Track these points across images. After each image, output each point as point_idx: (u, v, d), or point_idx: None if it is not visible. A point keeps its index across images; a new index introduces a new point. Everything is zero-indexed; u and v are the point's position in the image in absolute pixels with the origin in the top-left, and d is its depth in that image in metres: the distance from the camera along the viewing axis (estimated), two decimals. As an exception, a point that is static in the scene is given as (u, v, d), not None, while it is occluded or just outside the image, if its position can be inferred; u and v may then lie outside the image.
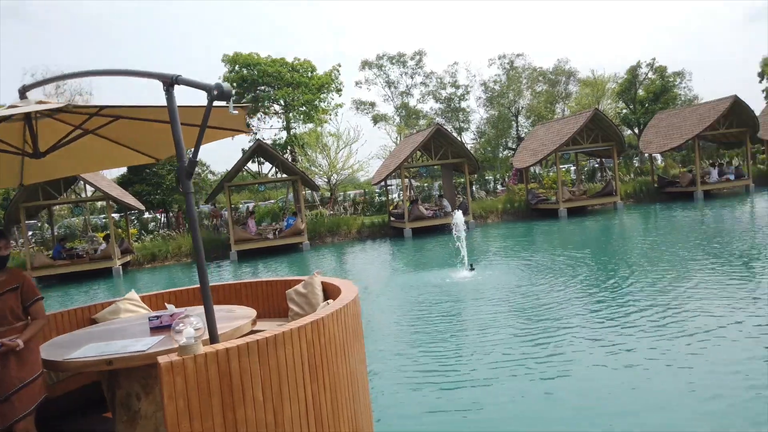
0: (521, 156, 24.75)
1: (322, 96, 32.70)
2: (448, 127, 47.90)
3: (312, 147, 25.06)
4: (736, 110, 23.21)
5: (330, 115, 33.09)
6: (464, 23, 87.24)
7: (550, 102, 44.62)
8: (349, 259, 17.60)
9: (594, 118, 22.11)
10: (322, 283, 4.79)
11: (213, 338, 3.22)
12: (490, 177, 34.73)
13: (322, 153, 25.00)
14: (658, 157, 33.35)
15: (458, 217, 12.41)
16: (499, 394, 5.28)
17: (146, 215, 29.00)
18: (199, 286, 5.54)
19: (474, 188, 30.48)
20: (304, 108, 31.71)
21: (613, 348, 6.21)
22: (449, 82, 46.93)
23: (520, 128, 41.69)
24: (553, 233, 18.43)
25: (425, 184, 33.71)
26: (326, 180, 25.67)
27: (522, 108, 42.25)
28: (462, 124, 47.37)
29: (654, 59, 39.55)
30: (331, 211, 24.12)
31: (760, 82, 47.22)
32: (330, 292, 4.68)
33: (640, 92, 38.70)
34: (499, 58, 45.29)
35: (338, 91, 33.63)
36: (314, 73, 32.58)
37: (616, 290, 8.99)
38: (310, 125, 31.15)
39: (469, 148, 46.67)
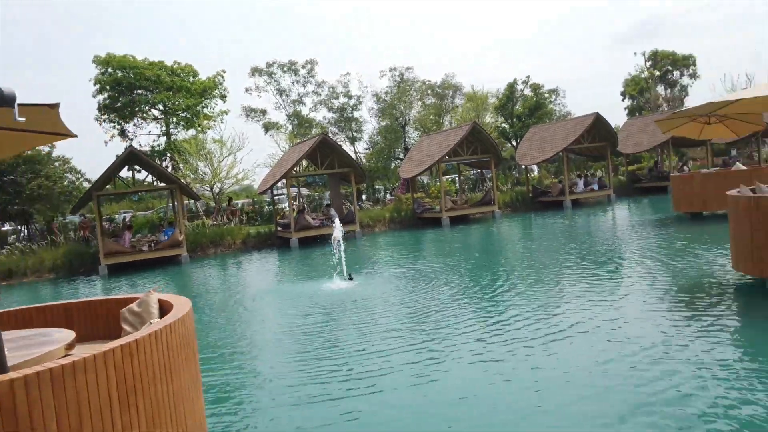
0: (407, 166, 25.37)
1: (205, 102, 31.49)
2: (341, 137, 48.28)
3: (193, 154, 23.98)
4: (598, 126, 25.40)
5: (215, 121, 31.97)
6: (355, 36, 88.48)
7: (438, 114, 46.35)
8: (228, 271, 16.99)
9: (473, 131, 23.17)
10: (159, 300, 4.51)
11: (1, 368, 2.90)
12: (381, 186, 35.26)
13: (204, 161, 24.02)
14: (535, 168, 35.68)
15: (337, 226, 12.39)
16: (373, 407, 5.24)
17: (6, 227, 26.29)
18: (25, 307, 5.00)
19: (363, 197, 30.80)
20: (186, 114, 30.36)
21: (484, 352, 6.43)
22: (342, 92, 47.25)
23: (409, 139, 42.80)
24: (435, 241, 19.00)
25: (316, 194, 33.54)
26: (209, 189, 24.67)
27: (409, 120, 43.43)
28: (355, 134, 47.82)
29: (528, 77, 42.30)
30: (214, 221, 23.20)
31: (623, 100, 52.26)
32: (167, 310, 4.41)
33: (518, 107, 41.22)
34: (390, 71, 46.34)
35: (222, 97, 32.59)
36: (196, 77, 31.32)
37: (488, 295, 9.38)
38: (192, 132, 29.88)
39: (362, 157, 47.37)
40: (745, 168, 17.42)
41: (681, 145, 30.44)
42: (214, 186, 24.24)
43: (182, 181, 22.93)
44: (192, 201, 26.43)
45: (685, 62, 48.03)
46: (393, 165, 41.89)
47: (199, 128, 29.76)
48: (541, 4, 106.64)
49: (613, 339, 6.38)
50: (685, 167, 28.48)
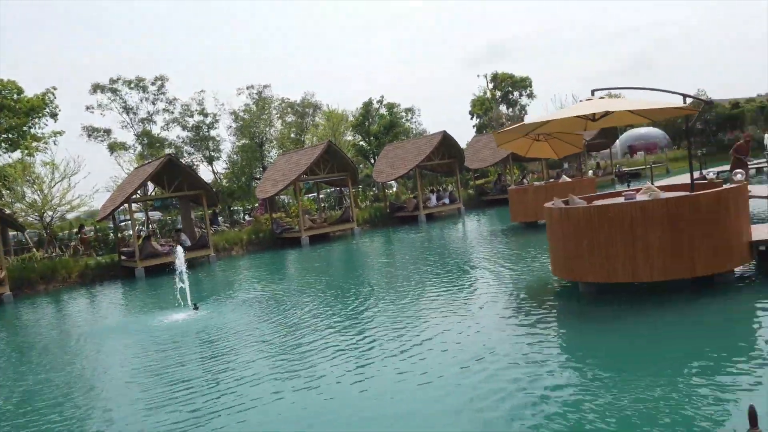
0: (264, 186, 24.85)
1: (32, 121, 28.34)
2: (198, 156, 46.25)
3: (19, 180, 21.37)
4: (446, 143, 26.87)
5: (45, 143, 28.87)
6: (208, 52, 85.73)
7: (300, 132, 46.25)
8: (57, 310, 15.27)
9: (328, 150, 23.33)
10: None
11: None
12: (239, 207, 34.21)
13: (32, 187, 21.50)
14: (394, 184, 36.80)
15: (178, 253, 11.70)
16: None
17: None
18: None
19: (220, 219, 29.60)
20: (9, 135, 27.05)
21: (339, 372, 6.33)
22: (197, 110, 45.37)
23: (269, 158, 42.26)
24: (294, 262, 18.73)
25: (169, 218, 31.60)
26: (39, 217, 22.11)
27: (267, 139, 42.89)
28: (213, 153, 46.12)
29: (383, 96, 43.78)
30: (45, 253, 20.83)
31: (472, 118, 56.00)
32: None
33: (374, 126, 42.44)
34: (247, 88, 45.45)
35: (54, 116, 29.60)
36: (22, 95, 28.09)
37: (344, 314, 9.30)
38: (18, 155, 26.70)
39: (221, 177, 45.66)
40: (570, 180, 19.37)
41: (521, 160, 33.19)
42: (44, 214, 21.77)
43: (3, 210, 20.35)
44: (18, 232, 23.57)
45: (523, 83, 52.78)
46: (254, 185, 41.01)
47: (26, 151, 26.64)
48: (402, 27, 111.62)
49: (458, 348, 6.68)
50: (524, 180, 31.08)
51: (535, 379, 5.45)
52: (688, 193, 8.00)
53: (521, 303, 8.43)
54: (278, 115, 47.28)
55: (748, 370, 5.06)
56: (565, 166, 37.82)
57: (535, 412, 4.76)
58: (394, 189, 36.92)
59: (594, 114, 8.90)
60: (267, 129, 45.48)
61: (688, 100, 8.90)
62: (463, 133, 76.96)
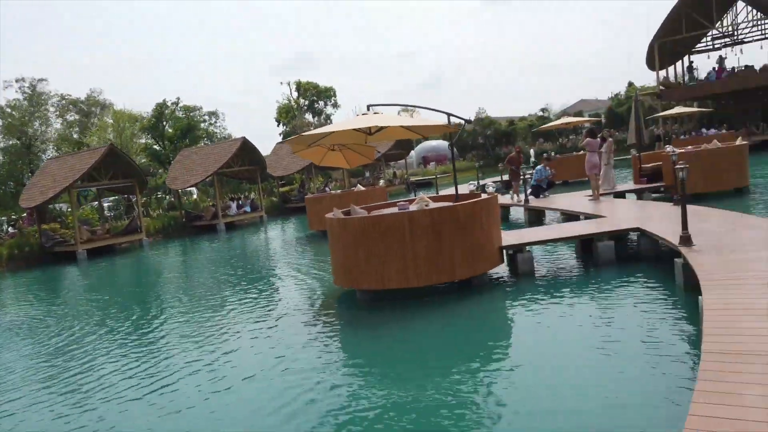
0: (30, 193, 21.63)
1: None
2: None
3: None
4: (246, 150, 26.20)
5: None
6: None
7: (83, 133, 41.50)
8: None
9: (110, 154, 21.15)
10: None
11: None
12: (3, 218, 29.44)
13: None
14: (194, 191, 34.81)
15: None
16: None
17: None
18: None
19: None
20: None
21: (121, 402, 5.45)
22: (-53, 103, 38.10)
23: (42, 161, 37.14)
24: (66, 280, 16.56)
25: None
26: None
27: (41, 139, 37.72)
28: (-31, 155, 39.15)
29: (179, 98, 41.26)
30: None
31: (278, 126, 55.75)
32: None
33: (169, 129, 39.75)
34: (17, 81, 39.52)
35: None
36: None
37: (119, 337, 8.28)
38: None
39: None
40: (364, 189, 20.14)
41: (325, 168, 33.80)
42: None
43: None
44: None
45: (327, 93, 54.05)
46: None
47: None
48: (210, 30, 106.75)
49: (242, 362, 6.46)
50: (327, 188, 31.68)
51: (319, 386, 5.48)
52: (450, 204, 8.70)
53: (310, 313, 8.39)
54: (57, 113, 42.03)
55: (501, 362, 5.64)
56: (367, 175, 39.49)
57: (314, 418, 4.78)
58: (195, 196, 34.99)
59: (370, 128, 9.26)
60: (42, 128, 40.06)
61: (452, 119, 9.73)
62: (273, 140, 76.55)
